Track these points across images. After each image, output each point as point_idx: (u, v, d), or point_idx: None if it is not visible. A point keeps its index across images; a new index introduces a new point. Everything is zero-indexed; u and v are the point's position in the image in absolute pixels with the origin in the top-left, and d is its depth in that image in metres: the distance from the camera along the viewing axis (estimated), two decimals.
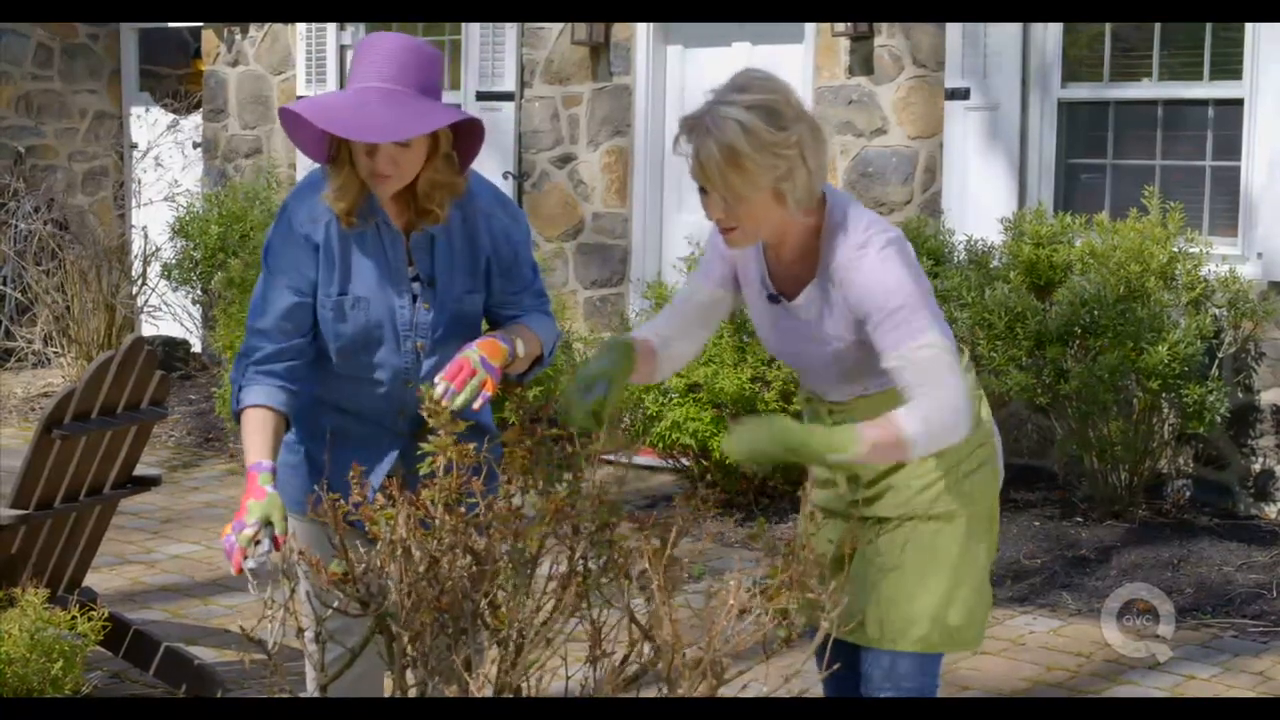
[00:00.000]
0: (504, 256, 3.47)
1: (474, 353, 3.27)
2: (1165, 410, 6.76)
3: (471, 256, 3.44)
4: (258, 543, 3.16)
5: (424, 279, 3.41)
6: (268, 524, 3.19)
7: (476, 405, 3.23)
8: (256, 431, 3.35)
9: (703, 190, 3.12)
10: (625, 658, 2.80)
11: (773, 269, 3.25)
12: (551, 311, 3.62)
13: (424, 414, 2.91)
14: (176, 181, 11.10)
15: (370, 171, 3.27)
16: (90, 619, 4.03)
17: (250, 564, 3.15)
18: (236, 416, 3.42)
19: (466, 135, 3.35)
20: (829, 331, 3.17)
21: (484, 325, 3.55)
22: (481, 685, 2.66)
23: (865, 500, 3.34)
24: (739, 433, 3.01)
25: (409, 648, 2.77)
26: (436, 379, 3.24)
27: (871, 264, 3.05)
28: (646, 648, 2.78)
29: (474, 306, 3.47)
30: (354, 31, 10.18)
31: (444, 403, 3.12)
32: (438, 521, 2.77)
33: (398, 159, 3.25)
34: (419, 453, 2.90)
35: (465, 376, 3.23)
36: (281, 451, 3.51)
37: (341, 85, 10.21)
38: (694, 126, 3.06)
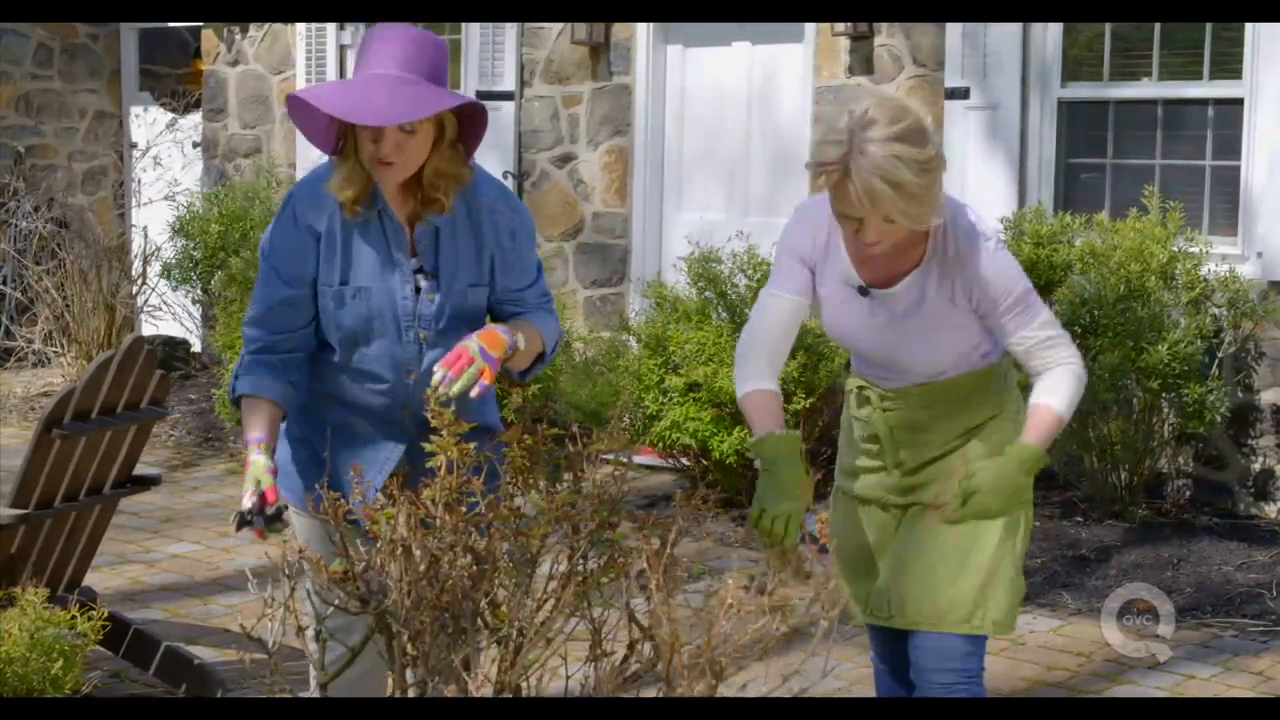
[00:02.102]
0: (507, 251, 3.47)
1: (473, 342, 3.27)
2: (1165, 410, 6.76)
3: (476, 250, 3.44)
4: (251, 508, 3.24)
5: (427, 270, 3.41)
6: (256, 484, 3.25)
7: (474, 393, 3.23)
8: (250, 412, 3.40)
9: (847, 218, 3.18)
10: (625, 657, 2.80)
11: (858, 256, 3.34)
12: (555, 310, 3.62)
13: (428, 415, 2.91)
14: (176, 181, 11.10)
15: (374, 159, 3.27)
16: (90, 618, 4.02)
17: (246, 504, 3.23)
18: (235, 404, 3.45)
19: (470, 124, 3.35)
20: (929, 316, 3.30)
21: (487, 321, 3.54)
22: (481, 685, 2.66)
23: (911, 488, 3.46)
24: (992, 482, 3.27)
25: (409, 647, 2.77)
26: (435, 367, 3.24)
27: (992, 254, 3.27)
28: (646, 647, 2.79)
29: (477, 299, 3.46)
30: (354, 31, 10.18)
31: (440, 389, 3.13)
32: (438, 521, 2.77)
33: (403, 145, 3.25)
34: (426, 450, 2.91)
35: (463, 365, 3.23)
36: (288, 449, 3.53)
37: None
38: (852, 168, 3.09)
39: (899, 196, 3.08)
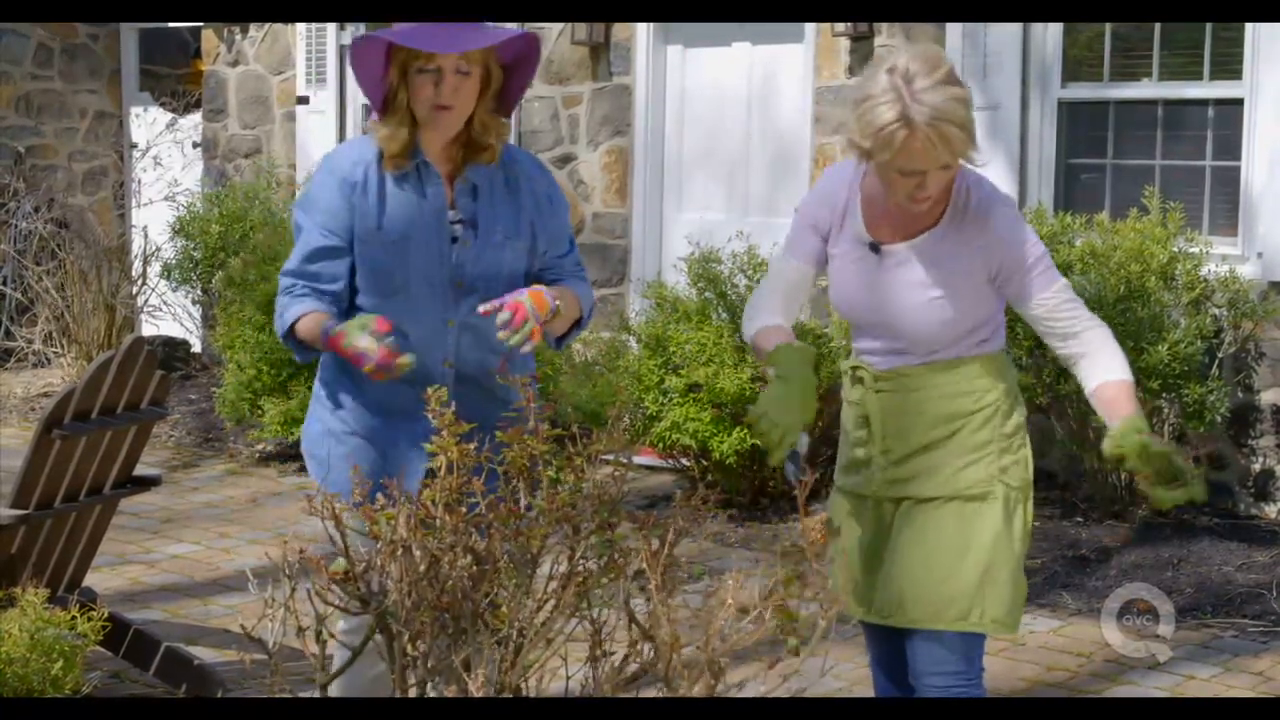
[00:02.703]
0: (547, 217, 3.61)
1: (526, 300, 3.38)
2: (1165, 410, 6.76)
3: (513, 210, 3.57)
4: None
5: (466, 221, 3.52)
6: (363, 326, 3.31)
7: (525, 349, 3.38)
8: (313, 322, 3.45)
9: (908, 174, 3.22)
10: (625, 658, 2.80)
11: (874, 214, 3.39)
12: (588, 280, 3.77)
13: (498, 378, 3.16)
14: (176, 181, 11.10)
15: (433, 104, 3.41)
16: (90, 619, 4.02)
17: (363, 344, 3.30)
18: (286, 338, 3.50)
19: (512, 76, 3.53)
20: (959, 267, 3.32)
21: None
22: (481, 685, 2.66)
23: (900, 480, 3.45)
24: (1145, 459, 3.31)
25: (409, 647, 2.77)
26: (498, 320, 3.35)
27: (1010, 218, 3.35)
28: (646, 648, 2.79)
29: (514, 256, 3.57)
30: (354, 31, 10.18)
31: (501, 335, 3.32)
32: (438, 521, 2.77)
33: (459, 88, 3.41)
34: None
35: (520, 320, 3.35)
36: (330, 442, 3.56)
37: (342, 85, 10.23)
38: (918, 116, 3.15)
39: (965, 135, 3.18)
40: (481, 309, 3.37)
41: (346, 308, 3.54)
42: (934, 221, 3.34)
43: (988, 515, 3.38)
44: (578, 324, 3.64)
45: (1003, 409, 3.43)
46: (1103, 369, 3.33)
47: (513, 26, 3.74)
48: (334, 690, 3.04)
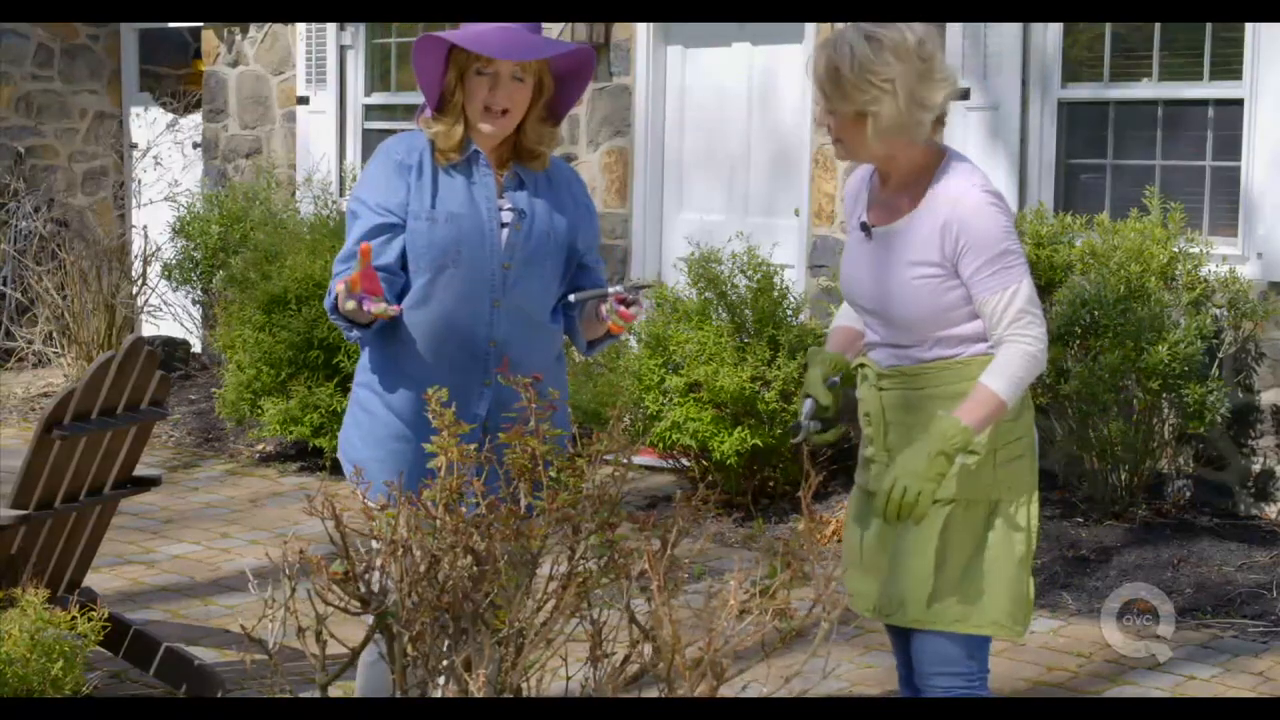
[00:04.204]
0: (585, 221, 3.78)
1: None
2: (1165, 410, 6.76)
3: (556, 205, 3.70)
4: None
5: (515, 209, 3.65)
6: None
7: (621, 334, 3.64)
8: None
9: (827, 115, 3.38)
10: (625, 658, 2.80)
11: (873, 198, 3.47)
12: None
13: (499, 379, 3.31)
14: (176, 181, 11.10)
15: (486, 107, 3.56)
16: (90, 619, 4.02)
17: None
18: (334, 310, 3.56)
19: (564, 88, 3.69)
20: (917, 257, 3.34)
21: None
22: (482, 685, 2.66)
23: None
24: (907, 471, 3.24)
25: (409, 648, 2.77)
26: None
27: (980, 203, 3.31)
28: (647, 648, 2.79)
29: (556, 246, 3.70)
30: (354, 32, 10.17)
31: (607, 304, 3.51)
32: (438, 522, 2.77)
33: (513, 95, 3.57)
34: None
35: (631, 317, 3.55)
36: (370, 447, 3.66)
37: (342, 86, 10.23)
38: (822, 44, 3.34)
39: (825, 75, 3.28)
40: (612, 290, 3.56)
41: (400, 290, 3.62)
42: (915, 203, 3.37)
43: (988, 518, 3.39)
44: (610, 335, 3.74)
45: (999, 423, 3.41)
46: (989, 370, 3.30)
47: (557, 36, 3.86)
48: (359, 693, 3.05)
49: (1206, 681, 5.18)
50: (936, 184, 3.34)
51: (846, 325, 3.64)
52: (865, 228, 3.44)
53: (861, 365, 3.53)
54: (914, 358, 3.41)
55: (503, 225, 3.63)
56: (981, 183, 3.34)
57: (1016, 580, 3.41)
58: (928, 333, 3.38)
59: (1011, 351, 3.28)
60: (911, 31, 3.31)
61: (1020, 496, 3.42)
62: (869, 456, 3.53)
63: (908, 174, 3.39)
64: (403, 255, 3.62)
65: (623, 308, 3.53)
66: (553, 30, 9.05)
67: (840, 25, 3.34)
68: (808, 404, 3.50)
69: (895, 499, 3.21)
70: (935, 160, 3.38)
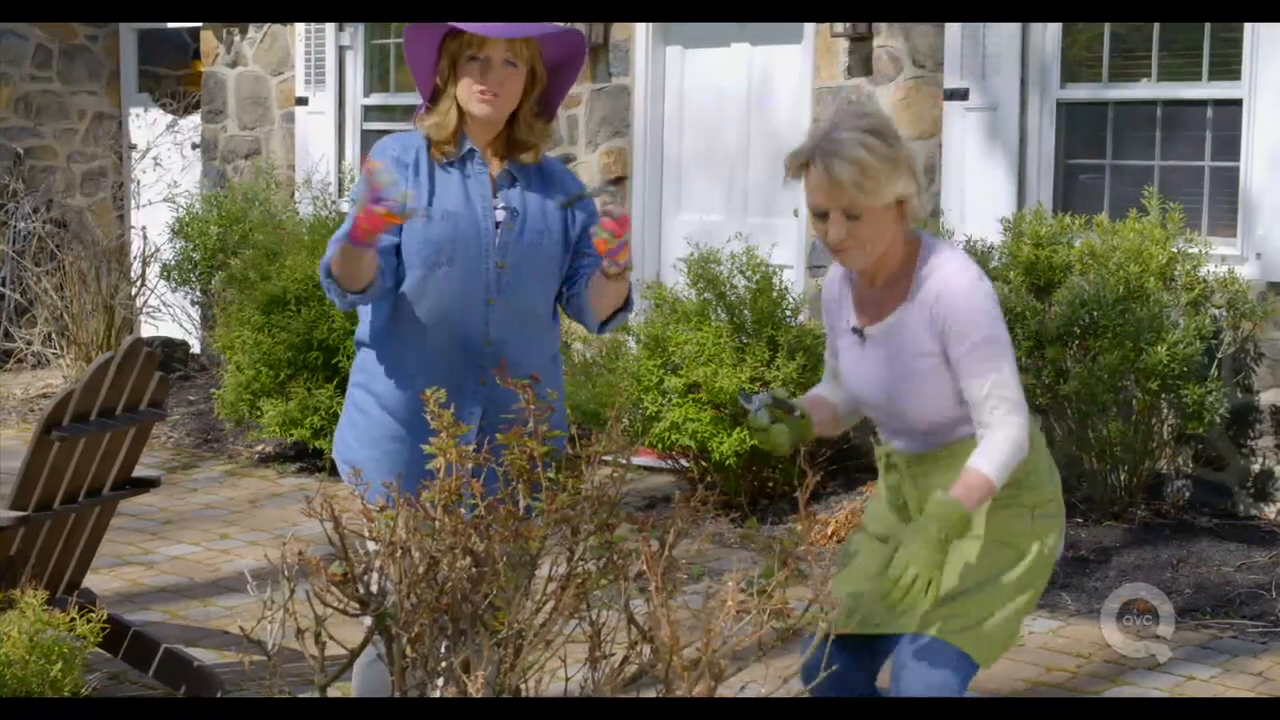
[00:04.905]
0: (581, 217, 3.73)
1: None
2: (1165, 411, 6.76)
3: (550, 204, 3.70)
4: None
5: (508, 208, 3.66)
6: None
7: (611, 272, 3.54)
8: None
9: (820, 216, 3.30)
10: (624, 659, 2.80)
11: (859, 300, 3.44)
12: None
13: (498, 380, 3.24)
14: (175, 182, 11.09)
15: (475, 94, 3.57)
16: (89, 620, 4.02)
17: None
18: (328, 273, 3.55)
19: (556, 81, 3.71)
20: (918, 348, 3.32)
21: (561, 291, 3.80)
22: (480, 686, 2.66)
23: None
24: (915, 558, 3.20)
25: (408, 649, 2.77)
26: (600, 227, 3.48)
27: (968, 287, 3.29)
28: (645, 649, 2.79)
29: (551, 243, 3.70)
30: (353, 32, 10.17)
31: (604, 226, 3.44)
32: (437, 524, 2.77)
33: (505, 81, 3.58)
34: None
35: (622, 229, 3.48)
36: (365, 448, 3.66)
37: (341, 87, 10.23)
38: (817, 152, 3.25)
39: (858, 174, 3.20)
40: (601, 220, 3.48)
41: (392, 284, 3.62)
42: (901, 300, 3.35)
43: (1015, 561, 3.44)
44: (623, 308, 3.73)
45: (1023, 504, 3.43)
46: (979, 453, 3.28)
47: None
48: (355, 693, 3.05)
49: (1206, 682, 5.18)
50: (920, 271, 3.33)
51: (821, 395, 3.61)
52: (858, 332, 3.42)
53: (889, 455, 3.49)
54: (939, 442, 3.40)
55: (496, 224, 3.65)
56: (964, 264, 3.33)
57: (1010, 620, 3.44)
58: (944, 418, 3.37)
59: (998, 436, 3.28)
60: (880, 114, 3.39)
61: (1044, 548, 3.48)
62: (901, 502, 3.50)
63: (893, 267, 3.36)
64: (397, 250, 3.63)
65: (606, 219, 3.49)
66: None
67: (814, 133, 3.28)
68: (768, 396, 3.45)
69: (905, 584, 3.20)
70: (914, 248, 3.37)
